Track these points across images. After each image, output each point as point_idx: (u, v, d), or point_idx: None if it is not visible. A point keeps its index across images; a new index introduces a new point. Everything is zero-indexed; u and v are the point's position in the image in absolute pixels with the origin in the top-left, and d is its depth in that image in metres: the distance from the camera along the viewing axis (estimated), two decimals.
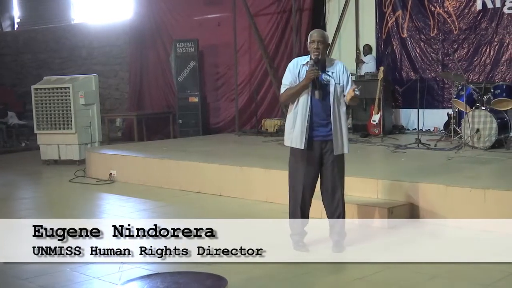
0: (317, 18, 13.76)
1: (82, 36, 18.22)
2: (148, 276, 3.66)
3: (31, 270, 5.32)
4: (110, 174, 10.12)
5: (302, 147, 5.42)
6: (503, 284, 4.58)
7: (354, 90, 5.32)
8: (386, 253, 5.53)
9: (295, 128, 5.46)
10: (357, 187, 6.99)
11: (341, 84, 5.42)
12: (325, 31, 13.28)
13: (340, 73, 5.45)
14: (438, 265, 5.12)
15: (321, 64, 5.42)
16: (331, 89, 5.39)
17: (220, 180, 8.57)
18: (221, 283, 3.38)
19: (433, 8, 11.79)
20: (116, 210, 8.06)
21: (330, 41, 5.63)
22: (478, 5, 11.21)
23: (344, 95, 5.43)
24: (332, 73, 5.41)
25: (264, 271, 5.11)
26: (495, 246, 5.55)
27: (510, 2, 10.80)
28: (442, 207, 6.37)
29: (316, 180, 5.59)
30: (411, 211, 6.55)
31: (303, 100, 5.42)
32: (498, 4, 10.95)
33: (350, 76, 5.57)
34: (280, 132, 12.68)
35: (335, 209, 5.54)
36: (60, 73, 16.64)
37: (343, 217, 5.58)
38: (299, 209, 5.60)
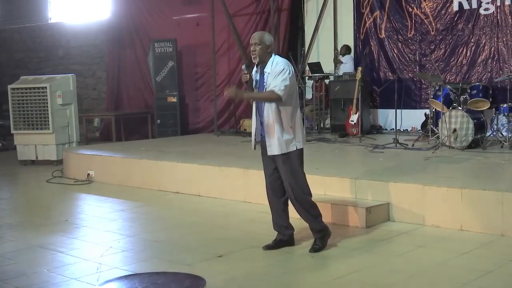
0: (296, 18, 13.82)
1: (59, 36, 18.08)
2: (126, 276, 3.65)
3: (8, 271, 5.28)
4: (88, 174, 10.07)
5: (253, 148, 5.65)
6: (480, 283, 4.62)
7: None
8: (364, 252, 5.56)
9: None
10: (335, 187, 7.03)
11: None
12: (304, 31, 13.57)
13: (273, 71, 5.35)
14: (415, 264, 5.16)
15: (263, 65, 5.43)
16: (263, 91, 5.40)
17: (199, 180, 8.56)
18: (199, 283, 3.38)
19: (410, 9, 11.88)
20: (94, 210, 8.01)
21: (269, 43, 5.37)
22: (455, 6, 11.31)
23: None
24: (269, 74, 5.38)
25: (243, 271, 5.12)
26: (472, 245, 5.60)
27: (486, 3, 10.92)
28: (419, 207, 6.42)
29: (276, 178, 5.60)
30: (389, 210, 6.59)
31: (254, 102, 5.54)
32: (474, 5, 11.06)
33: (280, 72, 5.28)
34: None
35: (297, 210, 5.63)
36: (37, 72, 16.54)
37: (308, 215, 5.60)
38: (270, 207, 5.77)
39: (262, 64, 5.43)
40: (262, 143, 5.55)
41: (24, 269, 5.29)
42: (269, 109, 5.36)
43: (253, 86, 5.46)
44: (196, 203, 8.10)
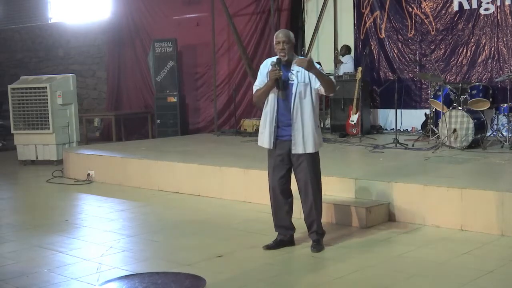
0: (296, 18, 13.81)
1: (59, 36, 18.09)
2: (127, 276, 3.64)
3: (8, 271, 5.27)
4: (88, 174, 10.07)
5: (270, 147, 5.53)
6: (480, 282, 4.62)
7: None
8: (364, 252, 5.56)
9: (264, 128, 5.55)
10: (335, 187, 7.03)
11: (305, 82, 5.41)
12: (304, 31, 13.56)
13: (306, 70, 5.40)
14: (415, 264, 5.16)
15: (287, 63, 5.44)
16: (293, 88, 5.41)
17: (199, 180, 8.56)
18: (199, 283, 3.37)
19: (410, 9, 11.88)
20: (94, 210, 8.01)
21: (294, 42, 5.57)
22: (455, 6, 11.32)
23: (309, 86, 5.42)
24: (297, 72, 5.41)
25: (243, 270, 5.12)
26: (472, 245, 5.60)
27: (486, 3, 10.93)
28: (419, 207, 6.42)
29: (287, 180, 5.62)
30: (389, 210, 6.59)
31: (271, 101, 5.49)
32: (474, 5, 11.06)
33: (320, 67, 5.50)
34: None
35: (309, 210, 5.60)
36: (37, 72, 16.54)
37: (318, 216, 5.62)
38: (273, 208, 5.73)
39: (287, 61, 5.45)
40: (277, 143, 5.51)
41: (24, 269, 5.29)
42: (302, 108, 5.40)
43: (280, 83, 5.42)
44: (196, 203, 8.09)
